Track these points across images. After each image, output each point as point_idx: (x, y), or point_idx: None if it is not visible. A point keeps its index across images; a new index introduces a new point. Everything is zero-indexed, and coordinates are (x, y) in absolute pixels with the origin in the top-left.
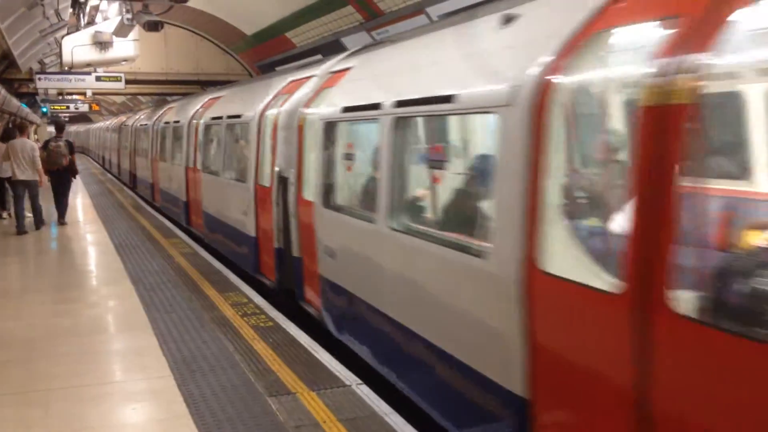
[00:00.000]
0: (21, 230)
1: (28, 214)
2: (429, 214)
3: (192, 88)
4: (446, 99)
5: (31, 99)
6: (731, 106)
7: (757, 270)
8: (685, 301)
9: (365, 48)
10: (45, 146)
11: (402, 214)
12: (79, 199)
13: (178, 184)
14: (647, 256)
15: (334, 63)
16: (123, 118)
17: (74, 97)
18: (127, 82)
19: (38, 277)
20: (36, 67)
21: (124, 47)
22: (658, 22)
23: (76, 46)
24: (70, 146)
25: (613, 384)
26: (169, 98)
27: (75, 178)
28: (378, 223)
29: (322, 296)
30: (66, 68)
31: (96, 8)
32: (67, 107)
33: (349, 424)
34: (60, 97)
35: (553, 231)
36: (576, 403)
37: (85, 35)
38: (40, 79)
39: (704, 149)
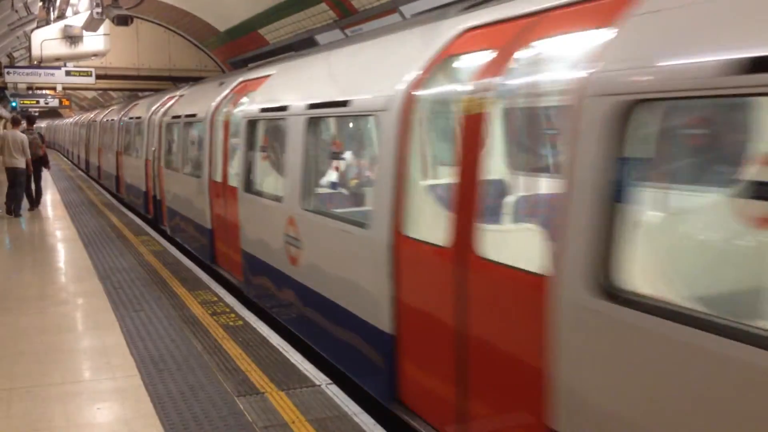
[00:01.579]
0: (11, 213)
1: None
2: (193, 164)
3: (164, 84)
4: (194, 115)
5: None
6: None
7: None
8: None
9: (192, 84)
10: None
11: (186, 165)
12: (48, 195)
13: (112, 164)
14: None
15: (182, 90)
16: (82, 116)
17: (44, 91)
18: (98, 77)
19: (3, 273)
20: (5, 60)
21: (95, 42)
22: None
23: (46, 40)
24: (41, 138)
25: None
26: (140, 94)
27: (48, 168)
28: (179, 172)
29: (167, 218)
30: (35, 62)
31: (66, 2)
32: (37, 102)
33: (318, 424)
34: (30, 92)
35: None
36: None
37: (54, 29)
38: (8, 73)
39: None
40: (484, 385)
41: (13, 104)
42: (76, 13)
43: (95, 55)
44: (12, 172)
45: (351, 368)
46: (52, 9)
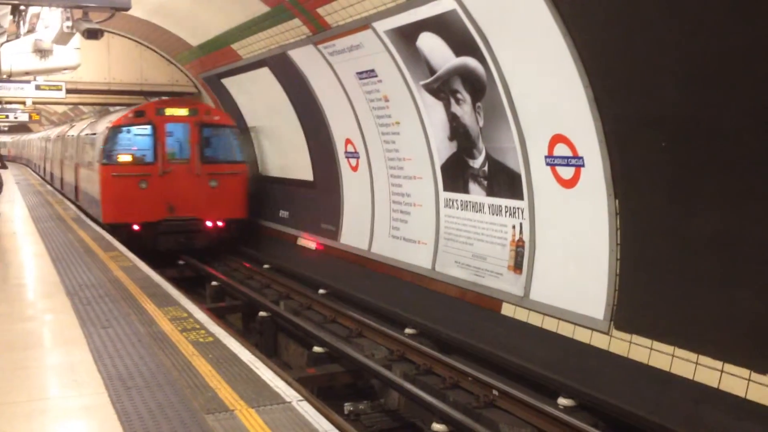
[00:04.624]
0: None
1: None
2: (79, 159)
3: (136, 99)
4: (63, 135)
5: None
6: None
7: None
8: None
9: (73, 120)
10: None
11: (61, 158)
12: (17, 209)
13: (72, 175)
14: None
15: (88, 121)
16: (47, 131)
17: (14, 106)
18: (69, 91)
19: None
20: None
21: (66, 56)
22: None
23: (16, 54)
24: None
25: (96, 190)
26: (111, 108)
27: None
28: (65, 161)
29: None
30: (5, 76)
31: (37, 16)
32: (6, 116)
33: None
34: None
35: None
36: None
37: (25, 43)
38: None
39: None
40: (81, 192)
41: None
42: (46, 27)
43: (66, 69)
44: None
45: (89, 207)
46: (22, 23)
